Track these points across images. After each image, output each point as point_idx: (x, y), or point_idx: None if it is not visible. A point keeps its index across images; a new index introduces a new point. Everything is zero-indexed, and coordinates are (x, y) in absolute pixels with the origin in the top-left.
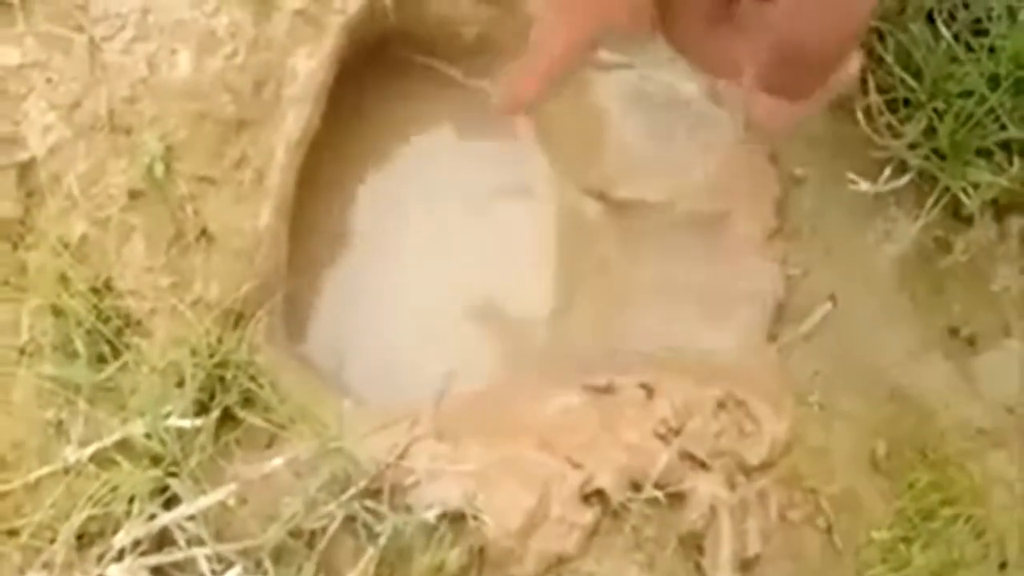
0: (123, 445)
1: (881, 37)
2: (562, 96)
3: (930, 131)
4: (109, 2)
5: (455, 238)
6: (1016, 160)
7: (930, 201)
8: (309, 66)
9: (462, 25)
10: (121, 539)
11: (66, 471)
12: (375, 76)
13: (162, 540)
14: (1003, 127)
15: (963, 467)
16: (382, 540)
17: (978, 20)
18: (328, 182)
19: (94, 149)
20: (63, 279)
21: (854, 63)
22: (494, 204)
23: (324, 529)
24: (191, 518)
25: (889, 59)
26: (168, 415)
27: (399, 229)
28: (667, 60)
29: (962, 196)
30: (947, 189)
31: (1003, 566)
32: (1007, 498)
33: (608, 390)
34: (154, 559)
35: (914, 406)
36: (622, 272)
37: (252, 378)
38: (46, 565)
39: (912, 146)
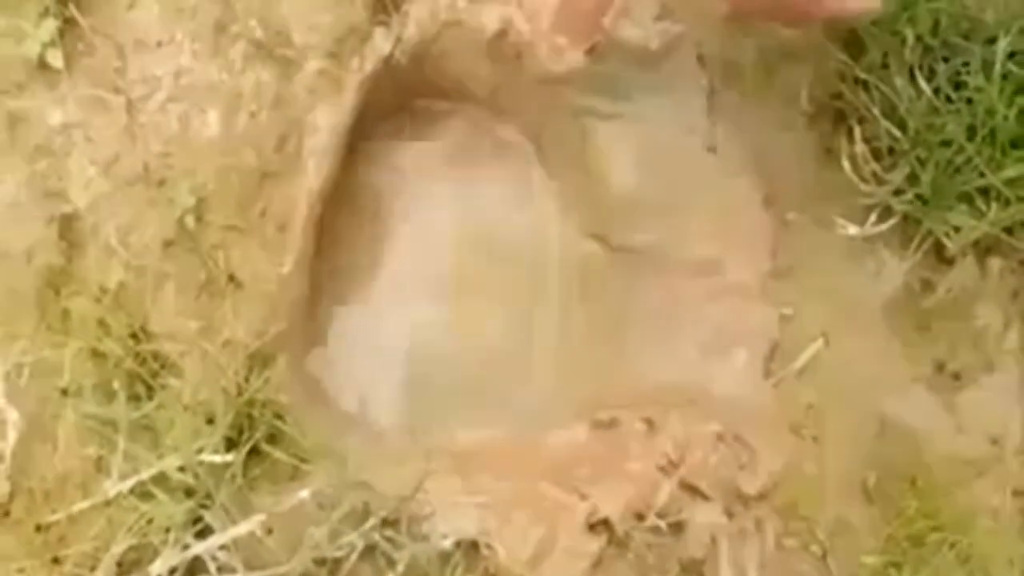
0: (159, 479)
1: (867, 90)
2: (566, 144)
3: (913, 178)
4: (145, 66)
5: (466, 280)
6: (994, 205)
7: (914, 244)
8: (329, 121)
9: (475, 83)
10: (157, 567)
11: (107, 503)
12: (391, 127)
13: (195, 568)
14: (981, 174)
15: (950, 495)
16: (400, 567)
17: (957, 73)
18: (346, 229)
19: (131, 202)
20: (102, 324)
21: None
22: (504, 248)
23: (346, 557)
24: (223, 547)
25: (875, 111)
26: (201, 451)
27: (412, 272)
28: (668, 109)
29: (944, 239)
30: (930, 232)
31: None
32: (991, 525)
33: (612, 425)
34: None
35: (903, 438)
36: (623, 313)
37: (278, 415)
38: None
39: (897, 192)
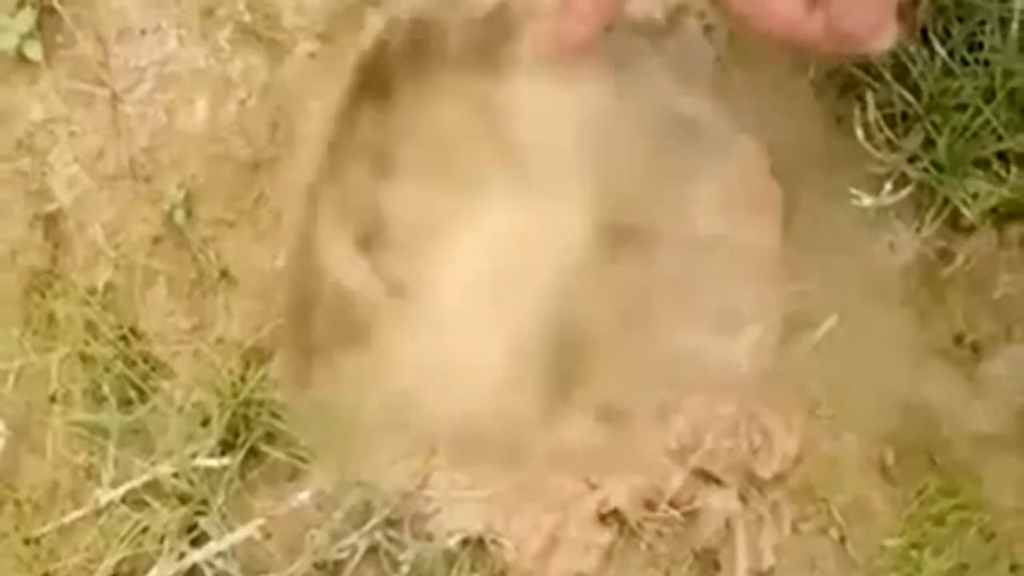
0: (152, 486)
1: None
2: (563, 116)
3: (928, 144)
4: (128, 56)
5: (467, 265)
6: (1013, 169)
7: (931, 213)
8: (322, 106)
9: (470, 58)
10: None
11: (98, 513)
12: (385, 108)
13: None
14: (999, 138)
15: (971, 472)
16: (404, 568)
17: (972, 34)
18: (345, 218)
19: (117, 198)
20: (91, 326)
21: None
22: (508, 232)
23: (348, 560)
24: (220, 554)
25: (887, 75)
26: (195, 455)
27: (413, 263)
28: (672, 80)
29: (962, 207)
30: (947, 200)
31: (1013, 569)
32: (1014, 502)
33: (620, 410)
34: None
35: (921, 413)
36: (630, 294)
37: (274, 414)
38: None
39: (911, 159)
